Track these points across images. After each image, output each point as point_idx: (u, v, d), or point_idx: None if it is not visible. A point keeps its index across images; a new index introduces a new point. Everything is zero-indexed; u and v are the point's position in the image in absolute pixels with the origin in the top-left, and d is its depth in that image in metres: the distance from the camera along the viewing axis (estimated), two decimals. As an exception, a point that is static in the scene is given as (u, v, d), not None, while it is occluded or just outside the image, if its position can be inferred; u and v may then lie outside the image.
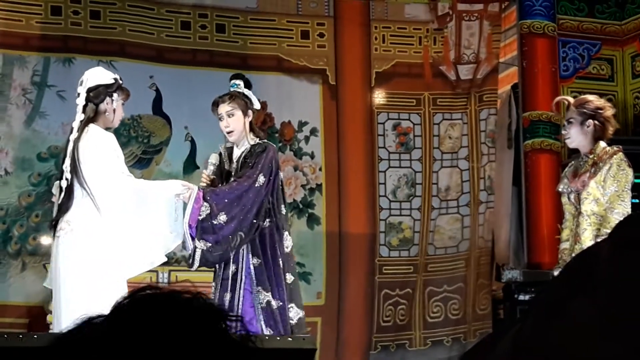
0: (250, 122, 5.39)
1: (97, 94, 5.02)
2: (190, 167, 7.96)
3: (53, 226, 5.04)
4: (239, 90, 5.42)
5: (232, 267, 5.25)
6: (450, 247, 8.38)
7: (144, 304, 0.97)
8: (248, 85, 5.51)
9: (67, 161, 4.96)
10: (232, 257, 5.25)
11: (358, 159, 8.40)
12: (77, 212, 4.89)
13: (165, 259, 5.28)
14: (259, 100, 8.19)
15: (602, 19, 8.29)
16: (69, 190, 4.92)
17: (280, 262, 5.26)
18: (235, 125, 5.32)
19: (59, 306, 4.97)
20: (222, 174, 5.48)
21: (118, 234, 4.91)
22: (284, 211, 5.41)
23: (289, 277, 5.33)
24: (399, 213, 8.42)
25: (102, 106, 5.04)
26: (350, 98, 8.44)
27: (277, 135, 8.02)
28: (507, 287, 6.72)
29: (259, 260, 5.22)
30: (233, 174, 5.40)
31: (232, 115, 5.32)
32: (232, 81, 5.48)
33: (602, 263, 0.91)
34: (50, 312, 7.37)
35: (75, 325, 0.98)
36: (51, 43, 7.84)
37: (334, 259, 8.12)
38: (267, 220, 5.27)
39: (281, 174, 5.47)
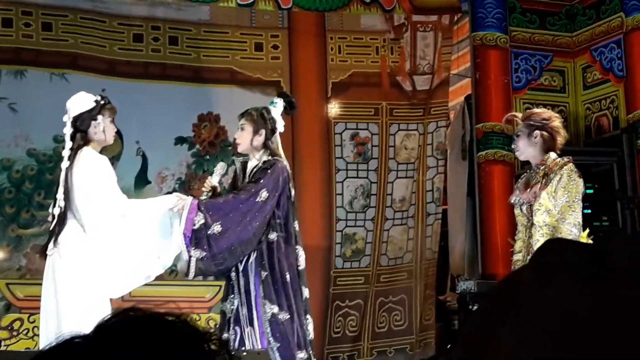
0: (265, 142, 5.48)
1: (82, 121, 5.11)
2: (141, 181, 7.90)
3: (44, 249, 5.14)
4: (272, 107, 5.56)
5: (242, 281, 5.34)
6: (399, 258, 8.42)
7: (127, 325, 0.96)
8: (290, 107, 5.65)
9: (60, 189, 5.04)
10: (241, 271, 5.33)
11: (314, 170, 8.39)
12: (67, 235, 4.98)
13: (162, 271, 5.33)
14: (211, 112, 8.20)
15: (554, 30, 8.35)
16: (62, 216, 5.01)
17: (289, 276, 5.32)
18: (242, 139, 5.49)
19: (45, 324, 5.01)
20: (235, 187, 5.56)
21: (108, 254, 5.00)
22: (297, 227, 5.48)
23: (307, 292, 5.44)
24: (354, 224, 8.43)
25: (91, 130, 5.13)
26: (305, 109, 8.40)
27: (230, 148, 7.97)
28: (462, 298, 6.75)
29: (266, 273, 5.29)
30: None
31: (243, 129, 5.49)
32: (275, 97, 5.69)
33: (523, 290, 0.91)
34: (2, 328, 7.30)
35: (55, 344, 0.97)
36: (2, 55, 7.76)
37: (291, 271, 8.10)
38: (275, 234, 5.35)
39: (292, 191, 5.50)
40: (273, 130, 5.52)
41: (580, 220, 5.23)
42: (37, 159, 7.72)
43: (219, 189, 5.55)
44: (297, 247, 5.45)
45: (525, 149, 5.39)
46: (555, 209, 5.20)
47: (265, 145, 5.49)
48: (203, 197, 5.39)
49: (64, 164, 5.10)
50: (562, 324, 0.86)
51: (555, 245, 0.95)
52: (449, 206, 8.54)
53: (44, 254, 5.14)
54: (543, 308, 0.87)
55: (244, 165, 5.60)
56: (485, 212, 7.78)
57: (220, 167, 5.53)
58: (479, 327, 0.94)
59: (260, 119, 5.47)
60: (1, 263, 7.61)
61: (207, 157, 8.07)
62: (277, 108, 5.56)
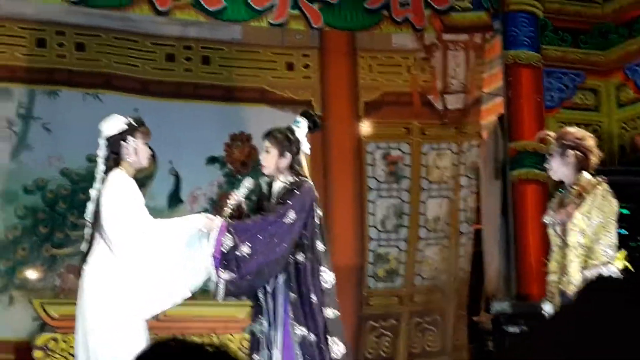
0: (292, 163, 5.38)
1: (113, 143, 5.14)
2: (174, 201, 7.93)
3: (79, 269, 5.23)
4: (296, 127, 5.45)
5: (271, 303, 5.29)
6: (434, 278, 8.37)
7: (168, 357, 0.96)
8: (314, 125, 5.53)
9: (91, 210, 5.11)
10: (270, 293, 5.29)
11: (346, 189, 8.37)
12: (95, 255, 5.02)
13: (190, 294, 5.27)
14: (243, 132, 8.19)
15: (586, 49, 8.31)
16: (92, 237, 5.07)
17: (315, 297, 5.25)
18: (267, 162, 5.40)
19: (78, 345, 5.03)
20: (260, 207, 5.48)
21: (136, 274, 5.00)
22: (321, 247, 5.36)
23: (331, 312, 5.31)
24: (386, 244, 8.39)
25: (122, 152, 5.15)
26: (337, 128, 8.42)
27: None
28: (496, 319, 6.70)
29: (295, 295, 5.24)
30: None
31: (268, 152, 5.41)
32: (298, 117, 5.54)
33: (563, 308, 0.93)
34: (37, 347, 7.33)
35: None
36: (36, 75, 7.84)
37: (322, 291, 8.07)
38: (302, 255, 5.28)
39: (319, 211, 5.42)
40: (298, 151, 5.46)
41: (615, 241, 5.16)
42: (71, 179, 7.78)
43: (244, 204, 5.51)
44: (322, 267, 5.39)
45: (559, 169, 5.34)
46: (590, 229, 5.14)
47: (291, 167, 5.43)
48: (228, 210, 5.34)
49: (97, 185, 5.14)
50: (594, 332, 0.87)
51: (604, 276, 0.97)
52: (484, 226, 8.49)
53: (80, 274, 5.19)
54: (573, 318, 0.89)
55: (269, 185, 5.54)
56: (519, 232, 7.73)
57: (247, 182, 5.47)
58: (515, 337, 0.96)
59: (285, 141, 5.39)
60: (35, 283, 7.66)
61: (239, 176, 8.07)
62: (300, 128, 5.47)
